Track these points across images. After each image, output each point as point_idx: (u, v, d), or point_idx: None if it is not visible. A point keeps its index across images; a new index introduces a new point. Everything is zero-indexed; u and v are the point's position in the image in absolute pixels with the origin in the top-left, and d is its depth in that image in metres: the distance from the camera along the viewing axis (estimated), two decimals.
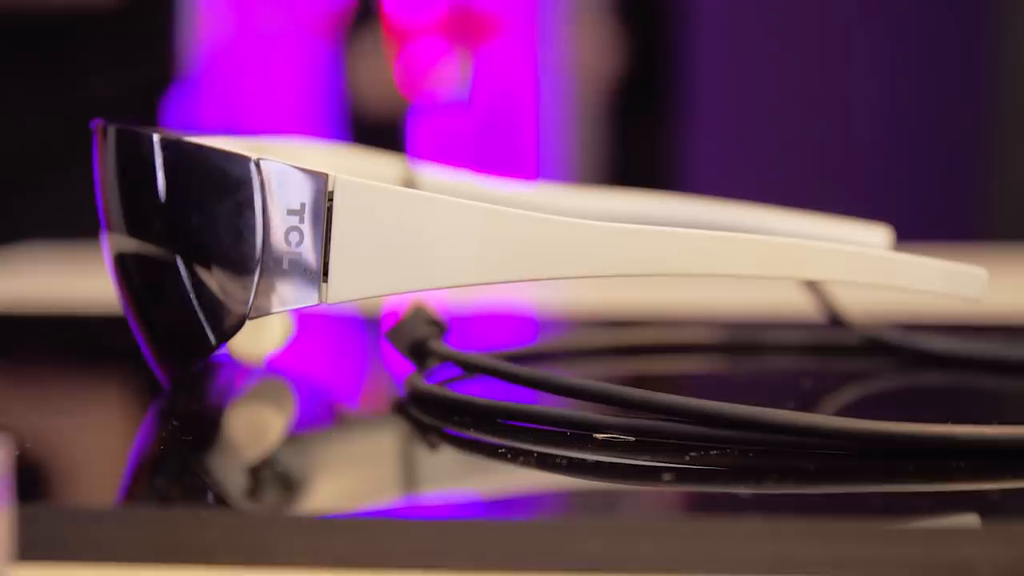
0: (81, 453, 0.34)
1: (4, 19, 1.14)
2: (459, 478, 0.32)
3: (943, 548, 0.26)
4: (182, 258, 0.34)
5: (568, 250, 0.33)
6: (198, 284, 0.34)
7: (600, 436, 0.32)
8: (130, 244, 0.36)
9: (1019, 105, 1.91)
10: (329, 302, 0.34)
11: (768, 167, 1.97)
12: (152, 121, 1.21)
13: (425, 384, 0.36)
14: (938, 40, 1.98)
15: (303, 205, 0.33)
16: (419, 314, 0.38)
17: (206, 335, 0.35)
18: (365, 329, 0.58)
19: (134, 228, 0.36)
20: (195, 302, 0.34)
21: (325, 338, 0.55)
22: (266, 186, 0.33)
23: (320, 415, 0.41)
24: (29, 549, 0.26)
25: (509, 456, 0.32)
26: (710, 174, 1.93)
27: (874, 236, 0.47)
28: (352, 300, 0.34)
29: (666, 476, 0.30)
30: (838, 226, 0.47)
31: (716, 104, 2.03)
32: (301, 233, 0.33)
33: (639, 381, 0.42)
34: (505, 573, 0.26)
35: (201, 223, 0.34)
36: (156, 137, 0.35)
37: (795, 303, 0.52)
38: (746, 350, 0.49)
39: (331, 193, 0.33)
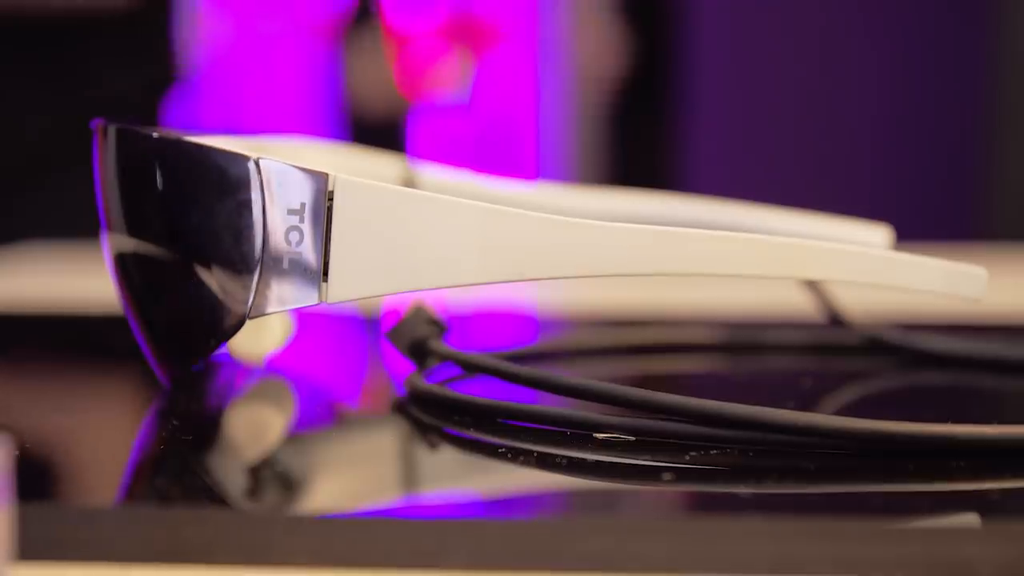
0: (81, 453, 0.34)
1: (5, 20, 1.14)
2: (459, 478, 0.32)
3: (943, 548, 0.26)
4: (182, 258, 0.34)
5: (568, 250, 0.33)
6: (198, 284, 0.34)
7: (600, 436, 0.32)
8: (130, 244, 0.36)
9: (1019, 105, 1.91)
10: (329, 302, 0.34)
11: (768, 167, 1.97)
12: (153, 121, 1.21)
13: (425, 384, 0.36)
14: (938, 40, 1.98)
15: (303, 205, 0.33)
16: (419, 314, 0.38)
17: (206, 335, 0.35)
18: (365, 329, 0.58)
19: (134, 228, 0.36)
20: (195, 302, 0.34)
21: (325, 338, 0.55)
22: (266, 186, 0.33)
23: (320, 415, 0.41)
24: (29, 549, 0.26)
25: (509, 456, 0.32)
26: (710, 174, 1.93)
27: (874, 236, 0.47)
28: (352, 300, 0.34)
29: (666, 476, 0.30)
30: (838, 226, 0.47)
31: (716, 104, 2.03)
32: (301, 233, 0.33)
33: (639, 381, 0.42)
34: (505, 573, 0.26)
35: (201, 223, 0.34)
36: (156, 137, 0.35)
37: (795, 303, 0.52)
38: (746, 350, 0.49)
39: (331, 193, 0.33)
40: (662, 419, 0.32)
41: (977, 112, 1.97)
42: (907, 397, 0.45)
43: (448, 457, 0.34)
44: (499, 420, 0.34)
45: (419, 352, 0.38)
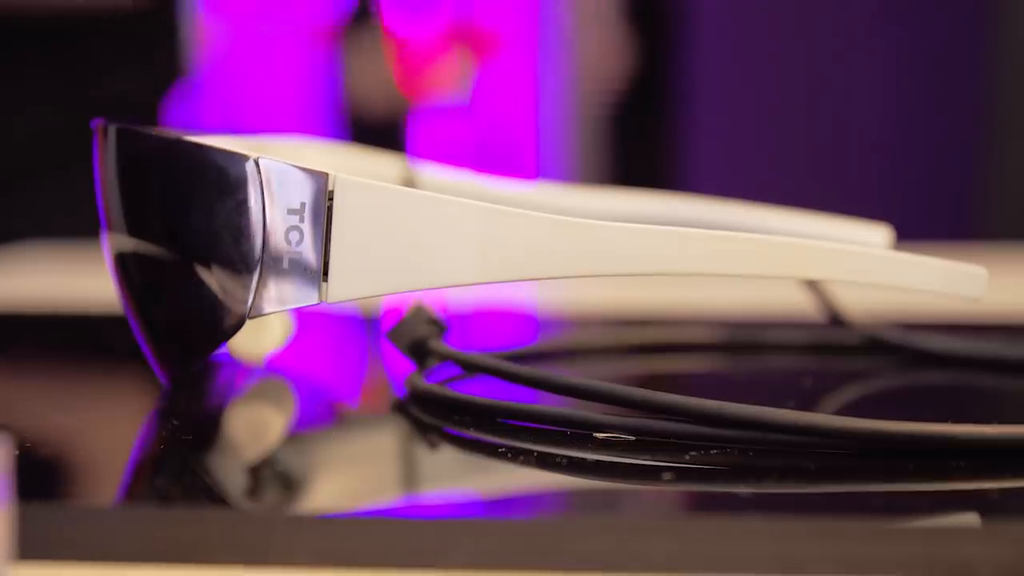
0: (81, 452, 0.34)
1: (6, 19, 1.14)
2: (459, 478, 0.32)
3: (943, 548, 0.26)
4: (182, 257, 0.34)
5: (568, 250, 0.33)
6: (198, 283, 0.34)
7: (600, 435, 0.32)
8: (130, 243, 0.36)
9: (1019, 105, 1.91)
10: (329, 301, 0.34)
11: (768, 167, 1.97)
12: (155, 121, 1.21)
13: (425, 383, 0.36)
14: (938, 40, 1.98)
15: (303, 204, 0.33)
16: (419, 314, 0.38)
17: (206, 335, 0.35)
18: (365, 329, 0.58)
19: (134, 227, 0.36)
20: (195, 302, 0.34)
21: (325, 338, 0.55)
22: (266, 185, 0.33)
23: (320, 415, 0.41)
24: (29, 549, 0.26)
25: (509, 456, 0.32)
26: (710, 174, 1.93)
27: (874, 236, 0.47)
28: (352, 300, 0.34)
29: (666, 475, 0.30)
30: (838, 226, 0.47)
31: (716, 104, 2.03)
32: (301, 232, 0.33)
33: (639, 380, 0.42)
34: (505, 573, 0.26)
35: (201, 222, 0.34)
36: (156, 136, 0.35)
37: (795, 303, 0.52)
38: (746, 349, 0.49)
39: (331, 192, 0.33)
40: (662, 419, 0.32)
41: (977, 112, 1.97)
42: (907, 397, 0.45)
43: (448, 457, 0.34)
44: (499, 420, 0.34)
45: (419, 352, 0.38)
